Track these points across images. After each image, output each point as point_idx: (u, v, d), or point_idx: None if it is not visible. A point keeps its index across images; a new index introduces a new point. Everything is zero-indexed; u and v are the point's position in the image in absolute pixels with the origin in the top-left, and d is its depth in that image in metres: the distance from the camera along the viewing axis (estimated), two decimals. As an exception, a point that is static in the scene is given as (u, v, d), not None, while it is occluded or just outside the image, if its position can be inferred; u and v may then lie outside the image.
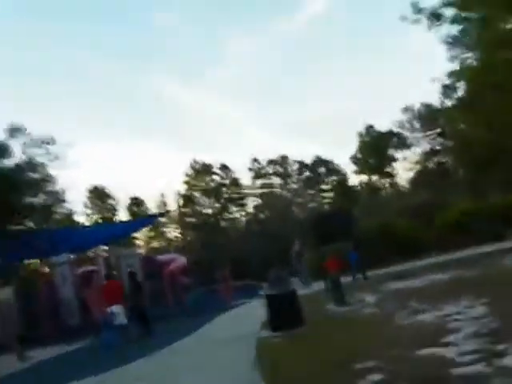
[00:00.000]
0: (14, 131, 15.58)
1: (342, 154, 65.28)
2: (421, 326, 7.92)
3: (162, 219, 47.98)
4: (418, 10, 8.80)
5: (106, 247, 34.30)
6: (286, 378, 6.47)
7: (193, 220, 48.34)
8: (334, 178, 53.41)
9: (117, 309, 13.21)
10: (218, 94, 74.96)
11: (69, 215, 47.40)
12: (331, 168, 53.88)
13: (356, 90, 71.54)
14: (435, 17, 8.72)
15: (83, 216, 48.51)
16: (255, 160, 51.53)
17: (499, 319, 6.99)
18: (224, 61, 72.00)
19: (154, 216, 43.19)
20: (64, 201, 46.42)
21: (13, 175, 19.88)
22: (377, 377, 5.68)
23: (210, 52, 73.26)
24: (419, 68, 63.58)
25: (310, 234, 23.00)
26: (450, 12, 8.54)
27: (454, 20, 8.50)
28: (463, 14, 8.55)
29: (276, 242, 25.17)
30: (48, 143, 17.05)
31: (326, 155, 53.97)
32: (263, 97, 73.04)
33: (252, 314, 10.81)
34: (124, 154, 73.01)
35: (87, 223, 46.67)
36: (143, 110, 71.67)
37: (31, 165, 18.48)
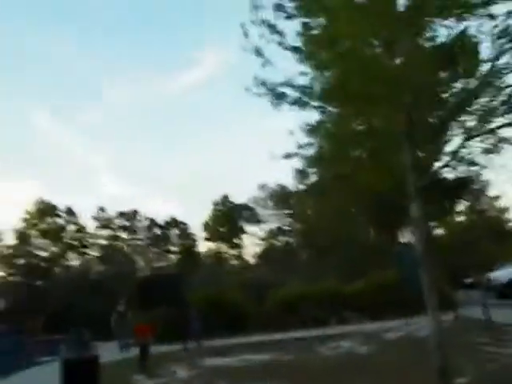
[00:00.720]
0: None
1: (196, 218, 65.29)
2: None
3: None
4: (260, 83, 8.60)
5: None
6: None
7: (23, 261, 44.39)
8: (184, 240, 52.78)
9: None
10: (82, 133, 71.93)
11: None
12: (183, 230, 53.29)
13: (220, 159, 72.75)
14: (277, 96, 8.57)
15: None
16: (102, 209, 49.48)
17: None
18: (99, 104, 69.69)
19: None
20: None
21: None
22: None
23: (88, 92, 70.42)
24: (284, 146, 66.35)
25: (136, 296, 21.84)
26: (294, 94, 8.44)
27: (298, 103, 8.43)
28: (308, 101, 8.54)
29: (108, 299, 23.53)
30: None
31: (179, 217, 53.57)
32: (128, 147, 71.47)
33: (50, 378, 9.50)
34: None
35: None
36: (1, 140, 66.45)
37: None
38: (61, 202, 49.03)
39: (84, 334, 9.62)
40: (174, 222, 53.76)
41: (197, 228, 53.68)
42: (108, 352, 18.05)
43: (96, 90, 68.91)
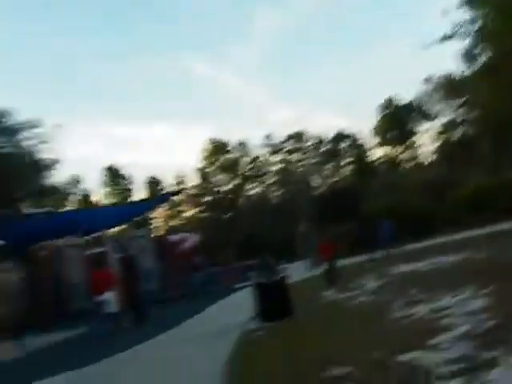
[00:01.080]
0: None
1: (364, 128, 63.65)
2: (412, 322, 7.10)
3: (179, 198, 47.56)
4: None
5: (117, 228, 34.07)
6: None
7: (209, 198, 47.76)
8: (355, 152, 52.07)
9: (108, 297, 12.70)
10: (239, 69, 73.43)
11: (85, 196, 47.53)
12: (352, 142, 52.54)
13: (376, 63, 69.59)
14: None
15: (99, 196, 48.51)
16: (270, 137, 50.50)
17: (498, 316, 6.12)
18: (247, 36, 70.52)
19: (167, 195, 42.62)
20: (79, 182, 46.89)
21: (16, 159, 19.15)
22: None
23: (235, 28, 71.61)
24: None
25: (315, 215, 22.10)
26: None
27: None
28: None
29: (290, 221, 24.27)
30: (35, 126, 16.06)
31: (347, 130, 52.74)
32: (285, 72, 71.60)
33: (249, 300, 10.12)
34: (142, 132, 72.55)
35: (103, 203, 46.49)
36: (163, 88, 70.86)
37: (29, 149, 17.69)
38: (233, 139, 51.34)
39: (270, 260, 9.98)
40: (342, 136, 53.21)
41: (366, 138, 52.60)
42: (295, 272, 18.78)
43: (242, 24, 69.31)
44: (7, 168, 16.06)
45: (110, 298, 12.65)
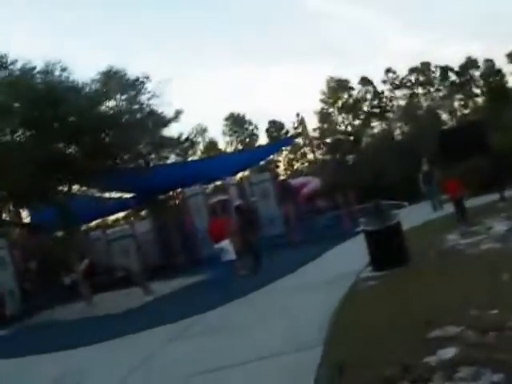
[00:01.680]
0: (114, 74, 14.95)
1: (500, 53, 57.65)
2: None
3: (301, 141, 47.31)
4: None
5: (241, 174, 34.71)
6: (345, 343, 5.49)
7: (331, 139, 46.87)
8: (488, 81, 47.76)
9: (225, 245, 12.95)
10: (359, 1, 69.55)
11: (212, 144, 48.91)
12: (485, 70, 48.16)
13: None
14: None
15: (225, 144, 49.59)
16: (392, 70, 47.73)
17: None
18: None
19: (289, 139, 42.66)
20: (205, 131, 48.24)
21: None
22: (449, 353, 4.45)
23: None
24: None
25: (440, 152, 20.62)
26: None
27: None
28: None
29: (414, 159, 22.95)
30: (145, 80, 16.28)
31: (480, 56, 48.22)
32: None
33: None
34: (260, 76, 72.18)
35: (228, 151, 47.57)
36: (278, 29, 69.39)
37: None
38: (355, 75, 49.39)
39: (382, 205, 9.42)
40: (473, 63, 48.90)
41: (500, 64, 47.83)
42: (420, 213, 17.84)
43: None
44: (132, 123, 16.65)
45: (227, 246, 12.91)
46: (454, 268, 7.84)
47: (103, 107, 14.09)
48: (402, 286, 7.62)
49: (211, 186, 29.16)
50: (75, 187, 17.51)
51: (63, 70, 12.76)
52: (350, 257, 10.48)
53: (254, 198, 21.84)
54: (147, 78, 16.13)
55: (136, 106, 17.06)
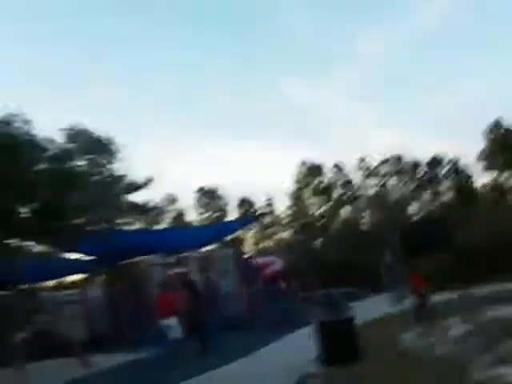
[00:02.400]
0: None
1: (467, 152, 59.57)
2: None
3: (269, 220, 47.30)
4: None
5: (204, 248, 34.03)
6: None
7: (300, 222, 46.89)
8: (456, 178, 48.92)
9: (172, 322, 12.28)
10: (341, 93, 71.99)
11: (180, 215, 48.39)
12: (453, 167, 49.46)
13: (483, 84, 65.42)
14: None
15: (194, 216, 49.11)
16: (364, 159, 48.72)
17: None
18: (351, 60, 69.11)
19: (256, 216, 42.59)
20: (174, 200, 47.92)
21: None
22: None
23: (338, 50, 70.44)
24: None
25: (403, 245, 20.51)
26: None
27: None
28: None
29: (378, 249, 22.82)
30: (114, 144, 15.92)
31: (449, 155, 49.62)
32: (384, 97, 69.29)
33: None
34: (235, 153, 72.74)
35: (197, 223, 47.01)
36: (257, 110, 70.84)
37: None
38: (328, 162, 50.08)
39: (336, 296, 8.95)
40: (440, 161, 50.31)
41: (469, 163, 49.23)
42: (379, 305, 17.39)
43: (345, 46, 68.29)
44: (96, 185, 16.16)
45: (175, 323, 12.24)
46: (402, 373, 7.26)
47: (65, 166, 13.58)
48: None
49: (174, 257, 28.42)
50: (29, 244, 16.70)
51: (25, 122, 12.34)
52: (301, 347, 9.86)
53: (212, 274, 21.18)
54: (113, 142, 15.79)
55: (102, 169, 16.63)
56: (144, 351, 13.83)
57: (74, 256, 22.83)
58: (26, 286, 22.02)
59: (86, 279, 27.78)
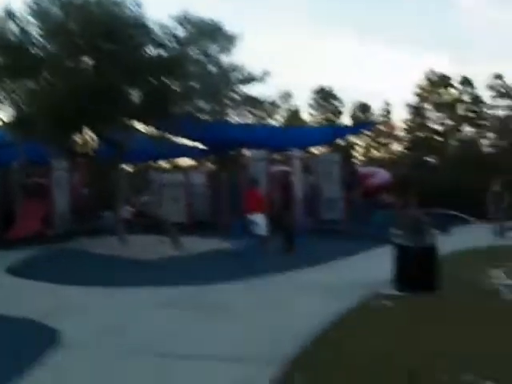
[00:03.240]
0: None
1: None
2: None
3: (384, 129, 45.31)
4: None
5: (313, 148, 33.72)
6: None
7: (416, 135, 44.43)
8: None
9: (258, 218, 12.32)
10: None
11: (294, 112, 47.72)
12: None
13: None
14: None
15: (306, 115, 48.19)
16: (500, 77, 44.15)
17: None
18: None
19: (371, 124, 40.80)
20: (290, 97, 47.13)
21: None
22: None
23: None
24: None
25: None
26: None
27: None
28: None
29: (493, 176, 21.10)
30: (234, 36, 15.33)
31: None
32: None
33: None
34: (357, 55, 68.92)
35: (309, 123, 46.21)
36: (385, 8, 65.56)
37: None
38: (455, 74, 46.21)
39: (422, 220, 8.34)
40: None
41: None
42: (480, 234, 16.40)
43: None
44: (211, 77, 16.05)
45: (261, 220, 12.27)
46: (482, 313, 6.74)
47: (173, 52, 13.48)
48: (411, 318, 6.66)
49: (280, 154, 28.42)
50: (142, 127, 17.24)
51: (137, 5, 12.28)
52: (382, 266, 9.47)
53: (316, 176, 20.91)
54: (230, 32, 15.32)
55: (214, 58, 16.37)
56: (233, 241, 14.09)
57: (184, 141, 23.55)
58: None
59: (192, 165, 28.91)
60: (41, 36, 12.98)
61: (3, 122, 13.88)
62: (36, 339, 6.21)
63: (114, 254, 13.72)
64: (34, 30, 12.98)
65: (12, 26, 12.88)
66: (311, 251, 12.56)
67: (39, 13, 12.64)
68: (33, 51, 12.91)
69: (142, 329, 6.56)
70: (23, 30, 12.88)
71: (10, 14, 12.83)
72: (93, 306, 8.02)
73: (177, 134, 20.36)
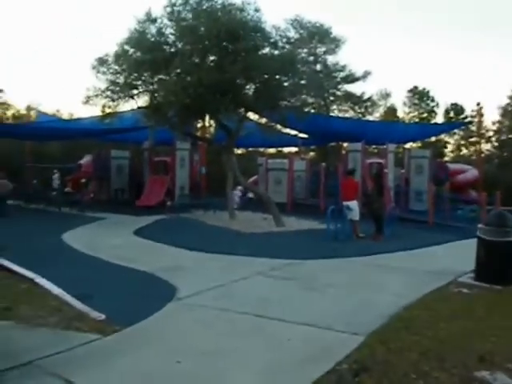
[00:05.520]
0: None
1: None
2: None
3: (475, 129, 42.41)
4: None
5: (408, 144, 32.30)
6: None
7: (506, 136, 41.11)
8: None
9: (353, 204, 12.09)
10: None
11: (390, 110, 45.97)
12: None
13: None
14: None
15: (402, 113, 46.27)
16: None
17: None
18: None
19: (462, 124, 38.52)
20: (388, 95, 45.42)
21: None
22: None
23: None
24: None
25: None
26: None
27: None
28: None
29: None
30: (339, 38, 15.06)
31: None
32: None
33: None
34: (455, 59, 64.75)
35: (405, 120, 44.35)
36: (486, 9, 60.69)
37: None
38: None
39: (508, 218, 7.69)
40: None
41: None
42: None
43: None
44: (317, 75, 15.93)
45: (355, 206, 12.06)
46: None
47: (285, 52, 13.46)
48: (489, 307, 6.22)
49: (377, 148, 27.68)
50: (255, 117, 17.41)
51: (256, 10, 12.39)
52: (465, 257, 8.93)
53: (407, 169, 20.26)
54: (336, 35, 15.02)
55: (321, 58, 16.19)
56: (328, 223, 13.92)
57: (290, 131, 23.56)
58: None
59: (296, 152, 28.77)
60: (173, 35, 13.53)
61: (140, 108, 14.60)
62: (158, 291, 6.71)
63: (224, 226, 14.08)
64: (168, 31, 13.56)
65: (151, 28, 13.53)
66: (398, 238, 12.11)
67: (174, 16, 13.15)
68: (166, 49, 13.48)
69: (244, 292, 6.75)
70: (160, 31, 13.50)
71: (151, 18, 13.48)
72: (202, 267, 8.36)
73: (284, 125, 20.46)
